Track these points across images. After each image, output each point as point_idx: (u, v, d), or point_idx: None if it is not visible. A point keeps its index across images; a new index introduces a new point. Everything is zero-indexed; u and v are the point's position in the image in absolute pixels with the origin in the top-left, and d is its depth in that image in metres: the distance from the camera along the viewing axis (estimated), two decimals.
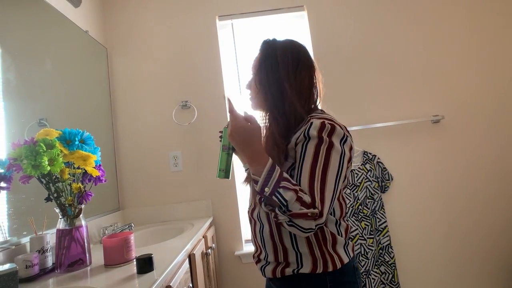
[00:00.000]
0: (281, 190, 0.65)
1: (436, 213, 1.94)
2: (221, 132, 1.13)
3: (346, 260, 0.78)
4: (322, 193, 0.68)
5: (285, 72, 0.83)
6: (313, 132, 0.73)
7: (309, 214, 0.65)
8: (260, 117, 0.99)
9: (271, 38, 0.89)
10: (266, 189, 0.66)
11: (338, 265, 0.77)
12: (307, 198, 0.66)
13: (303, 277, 0.77)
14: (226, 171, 1.06)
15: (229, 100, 0.76)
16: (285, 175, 0.69)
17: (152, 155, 1.95)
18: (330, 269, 0.76)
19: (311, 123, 0.75)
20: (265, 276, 0.84)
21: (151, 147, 1.96)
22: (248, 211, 0.90)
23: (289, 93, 0.81)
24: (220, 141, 1.12)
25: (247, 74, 2.02)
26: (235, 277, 1.88)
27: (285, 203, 0.64)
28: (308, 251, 0.76)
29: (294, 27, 2.12)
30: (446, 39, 2.03)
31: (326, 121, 0.75)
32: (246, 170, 1.14)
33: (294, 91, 0.82)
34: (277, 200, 0.65)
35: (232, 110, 0.75)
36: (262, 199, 0.68)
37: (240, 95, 2.07)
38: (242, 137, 0.72)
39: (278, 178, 0.67)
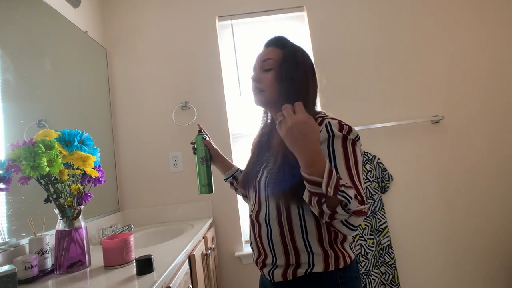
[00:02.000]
0: (343, 188, 0.63)
1: (436, 213, 1.93)
2: (193, 143, 1.06)
3: (353, 256, 0.82)
4: (362, 189, 0.70)
5: (309, 72, 0.86)
6: (335, 130, 0.75)
7: (363, 210, 0.65)
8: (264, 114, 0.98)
9: (283, 35, 0.91)
10: (328, 189, 0.62)
11: (348, 262, 0.79)
12: (359, 196, 0.67)
13: (315, 276, 0.78)
14: (209, 185, 1.01)
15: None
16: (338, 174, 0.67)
17: (152, 156, 1.95)
18: (341, 265, 0.78)
19: (329, 123, 0.76)
20: (273, 281, 0.82)
21: (151, 147, 1.96)
22: (251, 215, 0.88)
23: (311, 92, 0.85)
24: (194, 153, 1.05)
25: (250, 69, 2.02)
26: (235, 278, 1.87)
27: (350, 200, 0.63)
28: (321, 250, 0.77)
29: (294, 28, 2.11)
30: (446, 40, 2.03)
31: (341, 121, 0.78)
32: (225, 180, 1.12)
33: (312, 91, 0.86)
34: (342, 198, 0.62)
35: (299, 104, 0.65)
36: (323, 200, 0.65)
37: (240, 96, 2.06)
38: (304, 134, 0.63)
39: (337, 177, 0.64)
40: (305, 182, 0.66)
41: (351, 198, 0.63)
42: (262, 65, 0.88)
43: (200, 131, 1.07)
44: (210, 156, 1.06)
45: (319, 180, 0.62)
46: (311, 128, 0.64)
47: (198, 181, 1.03)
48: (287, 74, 0.83)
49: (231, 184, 1.13)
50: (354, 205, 0.64)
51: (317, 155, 0.64)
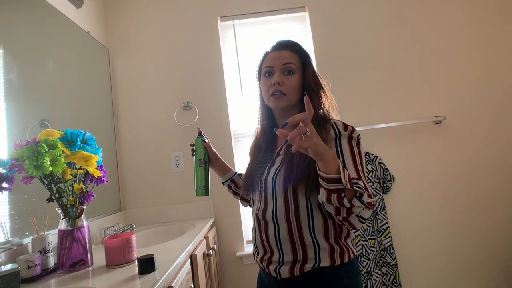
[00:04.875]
0: (355, 181, 0.68)
1: (437, 214, 1.93)
2: (192, 145, 1.07)
3: (355, 252, 0.84)
4: (367, 184, 0.72)
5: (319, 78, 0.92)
6: (341, 129, 0.79)
7: (373, 202, 0.68)
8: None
9: (294, 40, 0.94)
10: (347, 181, 0.65)
11: (352, 257, 0.82)
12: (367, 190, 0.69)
13: (321, 271, 0.79)
14: (206, 188, 1.02)
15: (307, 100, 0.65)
16: None
17: (154, 156, 1.96)
18: (346, 260, 0.81)
19: (334, 123, 0.81)
20: (280, 278, 0.83)
21: (153, 147, 1.96)
22: (257, 213, 0.88)
23: (323, 97, 0.90)
24: (193, 155, 1.06)
25: (252, 69, 2.02)
26: (236, 277, 1.87)
27: (363, 190, 0.66)
28: (327, 244, 0.79)
29: (295, 28, 2.11)
30: (448, 40, 2.02)
31: (343, 122, 0.82)
32: (223, 183, 1.13)
33: (324, 96, 0.91)
34: (357, 189, 0.66)
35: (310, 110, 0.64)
36: (343, 194, 0.66)
37: (241, 96, 2.06)
38: (321, 141, 0.65)
39: (348, 173, 0.68)
40: (323, 183, 0.67)
41: (364, 189, 0.66)
42: (283, 68, 0.87)
43: (200, 133, 1.08)
44: (208, 159, 1.07)
45: (337, 177, 0.65)
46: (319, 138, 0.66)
47: (194, 183, 1.04)
48: (310, 80, 0.87)
49: (229, 187, 1.13)
50: (366, 196, 0.66)
51: (333, 156, 0.67)
